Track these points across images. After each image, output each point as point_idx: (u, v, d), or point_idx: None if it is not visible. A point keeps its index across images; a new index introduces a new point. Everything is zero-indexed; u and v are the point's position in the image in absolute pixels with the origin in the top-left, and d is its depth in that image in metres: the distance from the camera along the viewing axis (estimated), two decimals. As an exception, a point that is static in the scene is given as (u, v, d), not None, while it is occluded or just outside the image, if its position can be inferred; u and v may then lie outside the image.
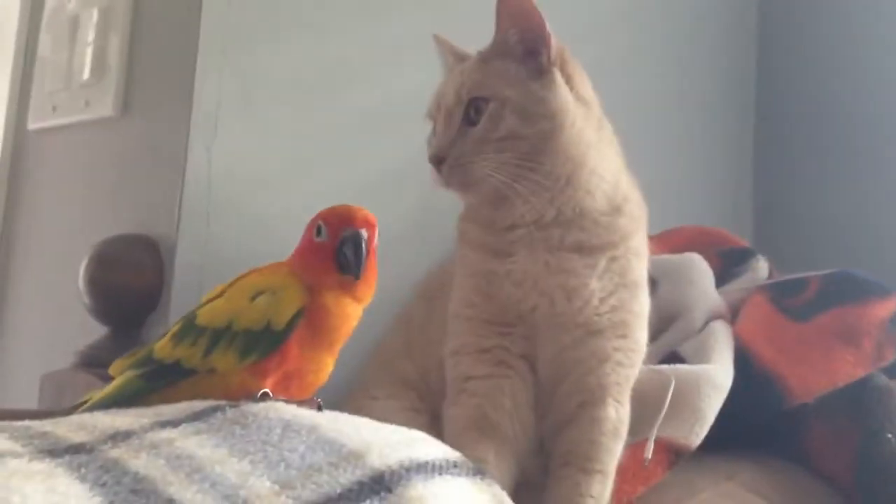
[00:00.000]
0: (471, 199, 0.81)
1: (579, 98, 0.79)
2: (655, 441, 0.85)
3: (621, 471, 0.83)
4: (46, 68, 1.12)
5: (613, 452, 0.80)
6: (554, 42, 0.77)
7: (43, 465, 0.43)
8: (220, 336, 0.60)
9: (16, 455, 0.43)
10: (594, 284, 0.77)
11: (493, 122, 0.76)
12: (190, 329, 0.61)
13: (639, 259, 0.81)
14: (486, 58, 0.80)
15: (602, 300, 0.78)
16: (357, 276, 0.62)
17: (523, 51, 0.78)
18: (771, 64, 1.66)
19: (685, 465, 0.89)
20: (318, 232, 0.64)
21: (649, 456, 0.84)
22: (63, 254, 1.05)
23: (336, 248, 0.63)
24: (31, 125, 1.13)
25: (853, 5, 1.57)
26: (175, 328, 0.63)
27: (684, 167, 1.51)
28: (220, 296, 0.64)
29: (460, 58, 0.84)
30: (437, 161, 0.77)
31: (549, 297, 0.77)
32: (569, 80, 0.78)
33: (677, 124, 1.52)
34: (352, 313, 0.64)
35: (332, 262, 0.63)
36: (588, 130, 0.78)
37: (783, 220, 1.59)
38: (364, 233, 0.63)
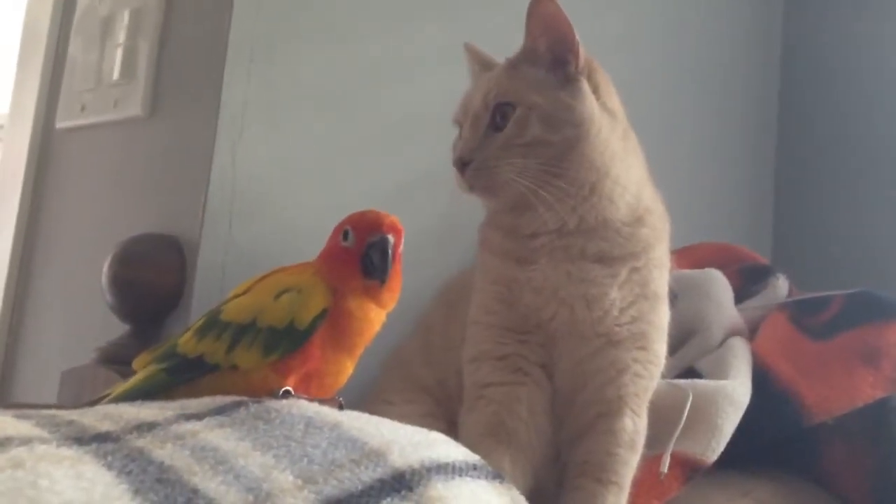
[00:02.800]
0: (494, 203, 0.81)
1: (605, 108, 0.79)
2: (671, 455, 0.85)
3: (636, 484, 0.82)
4: (76, 68, 1.13)
5: (630, 464, 0.80)
6: (582, 51, 0.78)
7: (71, 452, 0.43)
8: (243, 332, 0.60)
9: (43, 441, 0.44)
10: (614, 294, 0.77)
11: (519, 127, 0.76)
12: (214, 324, 0.62)
13: (660, 271, 0.81)
14: (514, 64, 0.80)
15: (622, 311, 0.78)
16: (383, 282, 0.63)
17: (552, 59, 0.78)
18: (793, 83, 1.66)
19: (701, 481, 0.88)
20: (345, 237, 0.64)
21: (665, 470, 0.84)
22: (87, 251, 1.06)
23: (362, 252, 0.63)
24: (60, 124, 1.14)
25: (875, 30, 1.57)
26: (199, 322, 0.63)
27: (705, 184, 1.51)
28: (245, 292, 0.64)
29: (488, 66, 0.85)
30: (462, 164, 0.77)
31: (570, 306, 0.77)
32: (595, 90, 0.79)
33: (700, 142, 1.52)
34: (374, 318, 0.65)
35: (358, 266, 0.64)
36: (613, 140, 0.78)
37: (802, 238, 1.59)
38: (391, 238, 0.63)
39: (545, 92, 0.77)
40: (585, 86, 0.78)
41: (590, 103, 0.77)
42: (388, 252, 0.63)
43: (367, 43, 1.05)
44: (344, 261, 0.64)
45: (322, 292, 0.62)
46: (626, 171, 0.79)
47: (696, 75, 1.53)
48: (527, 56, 0.79)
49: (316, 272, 0.64)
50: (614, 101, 0.81)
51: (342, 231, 0.65)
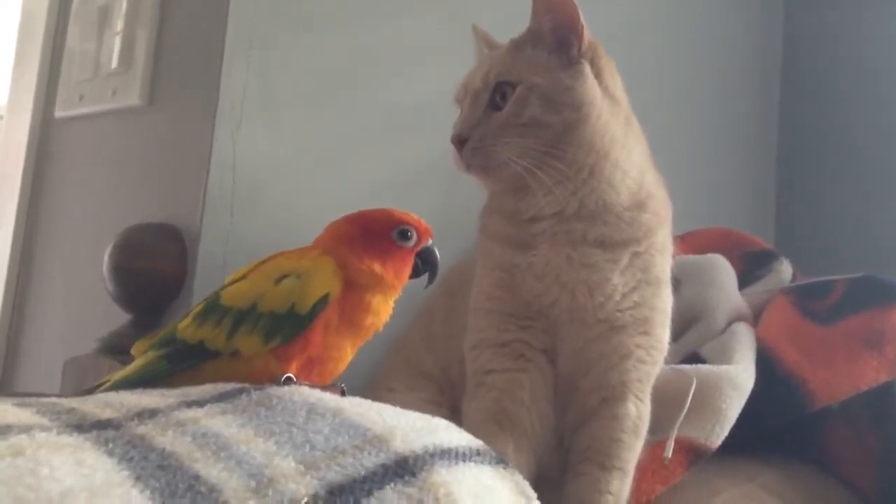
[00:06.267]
0: (491, 184, 0.81)
1: (607, 92, 0.78)
2: (675, 441, 0.85)
3: (641, 469, 0.82)
4: (74, 58, 1.13)
5: (633, 450, 0.80)
6: (586, 34, 0.77)
7: (71, 439, 0.43)
8: (244, 317, 0.60)
9: (44, 428, 0.43)
10: (616, 279, 0.77)
11: (519, 107, 0.76)
12: (214, 309, 0.61)
13: (662, 255, 0.81)
14: (518, 45, 0.80)
15: (624, 296, 0.78)
16: (432, 282, 0.69)
17: (555, 40, 0.78)
18: (796, 68, 1.65)
19: (705, 466, 0.88)
20: (406, 237, 0.66)
21: (669, 455, 0.84)
22: (87, 241, 1.06)
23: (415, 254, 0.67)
24: (59, 113, 1.14)
25: (878, 16, 1.56)
26: (198, 308, 0.63)
27: (708, 169, 1.50)
28: (244, 277, 0.64)
29: (495, 48, 0.84)
30: (460, 142, 0.77)
31: (571, 292, 0.77)
32: (598, 74, 0.78)
33: (703, 128, 1.52)
34: (387, 313, 0.66)
35: (411, 266, 0.67)
36: (613, 125, 0.78)
37: (805, 222, 1.58)
38: None
39: (546, 73, 0.76)
40: (587, 69, 0.77)
41: (591, 86, 0.76)
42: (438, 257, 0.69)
43: (367, 31, 1.05)
44: (405, 261, 0.66)
45: (326, 278, 0.61)
46: (627, 155, 0.78)
47: (699, 61, 1.52)
48: (531, 37, 0.79)
49: (323, 255, 0.63)
50: (617, 86, 0.81)
51: (398, 231, 0.66)
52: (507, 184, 0.78)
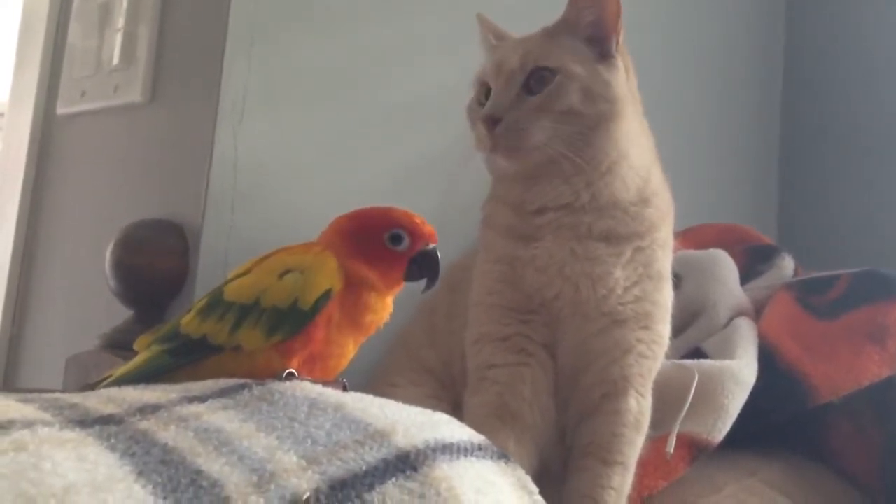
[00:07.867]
0: (515, 166, 0.78)
1: (630, 90, 0.79)
2: (677, 436, 0.85)
3: (643, 464, 0.82)
4: (76, 54, 1.13)
5: (635, 445, 0.80)
6: (623, 30, 0.78)
7: (74, 434, 0.43)
8: (247, 312, 0.60)
9: (46, 423, 0.44)
10: (618, 273, 0.77)
11: (556, 94, 0.76)
12: (217, 304, 0.61)
13: (664, 251, 0.81)
14: (553, 33, 0.80)
15: (626, 290, 0.78)
16: (430, 288, 0.66)
17: (591, 33, 0.78)
18: (798, 62, 1.65)
19: (707, 461, 0.88)
20: (397, 241, 0.64)
21: (671, 450, 0.84)
22: (89, 237, 1.06)
23: (410, 258, 0.64)
24: (60, 110, 1.14)
25: (881, 7, 1.56)
26: (201, 303, 0.63)
27: (710, 165, 1.50)
28: (247, 272, 0.64)
29: (501, 37, 0.85)
30: (493, 121, 0.76)
31: (574, 284, 0.77)
32: (626, 72, 0.79)
33: (705, 125, 1.51)
34: (387, 311, 0.65)
35: (404, 270, 0.64)
36: (635, 123, 0.79)
37: (807, 217, 1.58)
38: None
39: (585, 63, 0.77)
40: (621, 64, 0.78)
41: (623, 82, 0.78)
42: (439, 262, 0.66)
43: (368, 27, 1.05)
44: (394, 265, 0.64)
45: (328, 274, 0.61)
46: (639, 153, 0.79)
47: (699, 60, 1.52)
48: (567, 26, 0.79)
49: (325, 252, 0.63)
50: (634, 85, 0.82)
51: (389, 234, 0.64)
52: (531, 167, 0.77)
